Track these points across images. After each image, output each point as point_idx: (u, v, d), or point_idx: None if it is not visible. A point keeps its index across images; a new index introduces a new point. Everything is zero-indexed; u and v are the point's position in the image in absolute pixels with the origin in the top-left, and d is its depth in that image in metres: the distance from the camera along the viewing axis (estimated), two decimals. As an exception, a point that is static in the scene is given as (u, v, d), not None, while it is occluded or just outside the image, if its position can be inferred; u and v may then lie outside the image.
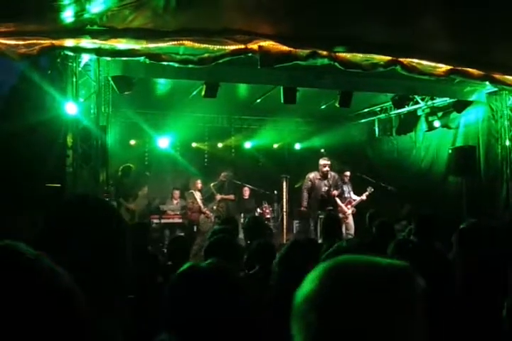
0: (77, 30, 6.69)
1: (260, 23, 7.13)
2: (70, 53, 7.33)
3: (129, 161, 11.76)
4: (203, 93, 9.21)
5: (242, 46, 7.14)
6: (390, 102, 11.71)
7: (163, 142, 13.20)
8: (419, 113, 12.33)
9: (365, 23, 7.12)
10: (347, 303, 1.01)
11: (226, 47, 7.10)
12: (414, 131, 12.83)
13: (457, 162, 10.43)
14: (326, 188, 11.15)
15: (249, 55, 7.28)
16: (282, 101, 9.50)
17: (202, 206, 12.21)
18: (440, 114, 11.92)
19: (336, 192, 11.17)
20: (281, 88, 9.43)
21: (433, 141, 12.22)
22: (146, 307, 3.30)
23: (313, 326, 1.02)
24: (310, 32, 7.27)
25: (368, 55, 7.74)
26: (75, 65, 7.98)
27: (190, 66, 7.46)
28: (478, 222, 3.97)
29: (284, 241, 11.70)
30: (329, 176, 11.18)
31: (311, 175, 11.24)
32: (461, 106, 10.74)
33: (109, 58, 7.61)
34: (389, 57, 7.83)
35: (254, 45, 7.14)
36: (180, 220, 12.25)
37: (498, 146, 10.51)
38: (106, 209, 1.68)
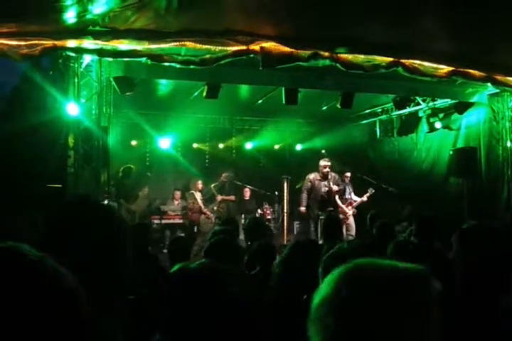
0: (79, 30, 6.70)
1: (262, 24, 7.13)
2: (72, 54, 7.34)
3: (130, 162, 11.77)
4: (204, 94, 9.21)
5: (244, 47, 7.15)
6: (392, 103, 11.72)
7: (165, 143, 13.22)
8: (421, 114, 12.33)
9: (366, 24, 7.12)
10: (364, 306, 1.02)
11: (228, 48, 7.10)
12: (416, 132, 12.83)
13: (458, 163, 10.43)
14: (326, 189, 11.14)
15: (251, 56, 7.29)
16: (284, 102, 9.51)
17: (202, 206, 12.22)
18: (441, 115, 11.92)
19: (335, 188, 11.15)
20: (283, 89, 9.44)
21: (434, 142, 12.22)
22: (146, 308, 3.31)
23: (330, 328, 1.03)
24: (312, 33, 7.28)
25: (370, 56, 7.74)
26: (76, 65, 7.99)
27: (191, 67, 7.46)
28: (479, 223, 3.97)
29: (285, 242, 11.70)
30: (329, 177, 11.18)
31: (311, 175, 11.24)
32: (462, 107, 10.74)
33: (111, 59, 7.62)
34: (391, 59, 7.83)
35: (255, 46, 7.15)
36: (181, 221, 12.27)
37: (500, 148, 10.50)
38: (106, 209, 1.69)
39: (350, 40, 7.51)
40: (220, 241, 3.91)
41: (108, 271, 1.49)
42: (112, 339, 1.47)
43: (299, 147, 15.34)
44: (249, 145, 14.68)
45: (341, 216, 10.66)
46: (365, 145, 14.50)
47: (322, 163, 11.20)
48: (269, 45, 7.18)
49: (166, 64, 7.40)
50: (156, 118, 12.83)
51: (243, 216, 12.08)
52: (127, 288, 1.71)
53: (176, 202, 12.52)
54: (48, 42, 6.67)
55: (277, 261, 3.60)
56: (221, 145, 14.60)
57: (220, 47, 7.12)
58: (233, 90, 10.32)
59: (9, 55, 6.69)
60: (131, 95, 9.05)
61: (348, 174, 11.93)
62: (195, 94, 10.36)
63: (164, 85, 10.44)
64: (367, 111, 13.52)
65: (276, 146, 15.29)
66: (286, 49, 7.29)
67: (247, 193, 12.91)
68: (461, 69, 8.29)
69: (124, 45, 6.97)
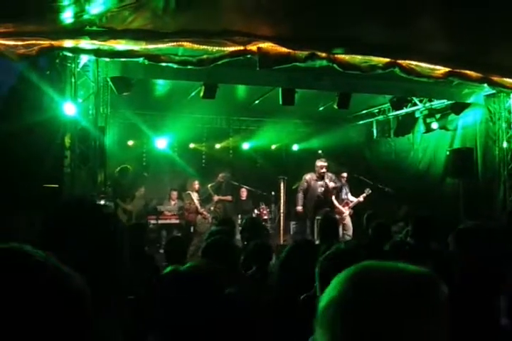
0: (77, 31, 6.69)
1: (259, 25, 7.13)
2: (69, 54, 7.33)
3: (127, 162, 11.76)
4: (201, 94, 9.21)
5: (241, 48, 7.15)
6: (388, 104, 11.74)
7: (161, 143, 13.21)
8: (417, 115, 12.35)
9: (363, 25, 7.13)
10: (371, 309, 1.02)
11: (225, 49, 7.10)
12: (412, 132, 12.85)
13: (455, 164, 10.45)
14: (323, 189, 11.16)
15: (248, 56, 7.30)
16: (281, 102, 9.51)
17: (199, 207, 12.22)
18: (438, 115, 11.94)
19: (332, 184, 11.17)
20: (280, 89, 9.44)
21: (431, 142, 12.24)
22: (144, 308, 3.31)
23: (337, 331, 1.03)
24: (309, 33, 7.29)
25: (367, 57, 7.76)
26: (73, 65, 7.98)
27: (189, 67, 7.46)
28: (476, 224, 3.98)
29: (281, 242, 11.71)
30: (326, 177, 11.19)
31: (308, 176, 11.26)
32: (459, 108, 10.76)
33: (108, 59, 7.61)
34: (387, 59, 7.85)
35: (253, 47, 7.15)
36: (178, 221, 12.26)
37: (496, 148, 10.53)
38: (102, 210, 1.69)
39: (347, 41, 7.52)
40: (217, 241, 3.91)
41: (105, 271, 1.49)
42: (111, 340, 1.47)
43: (295, 147, 15.35)
44: (246, 146, 14.68)
45: (338, 216, 10.68)
46: (362, 145, 14.51)
47: (319, 163, 11.22)
48: (266, 45, 7.19)
49: (163, 64, 7.40)
50: (153, 119, 12.82)
51: (240, 216, 12.07)
52: (124, 288, 1.71)
53: (173, 203, 12.52)
54: (45, 42, 6.66)
55: (276, 261, 3.60)
56: (218, 146, 14.60)
57: (217, 48, 7.12)
58: (230, 90, 10.32)
59: (6, 55, 6.68)
60: (128, 95, 9.05)
61: (345, 174, 11.94)
62: (193, 94, 10.36)
63: (161, 85, 10.43)
64: (364, 111, 13.53)
65: (273, 147, 15.29)
66: (284, 49, 7.30)
67: (243, 193, 12.91)
68: (458, 70, 8.31)
69: (121, 45, 6.97)
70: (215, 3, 6.75)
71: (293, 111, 11.18)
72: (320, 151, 12.64)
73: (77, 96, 8.11)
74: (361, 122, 14.16)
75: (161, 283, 2.02)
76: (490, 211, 10.03)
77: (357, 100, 10.30)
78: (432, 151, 12.17)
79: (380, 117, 13.42)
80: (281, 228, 12.37)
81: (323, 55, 7.49)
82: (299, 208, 11.16)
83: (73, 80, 8.05)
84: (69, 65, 7.96)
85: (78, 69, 8.11)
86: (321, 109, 12.12)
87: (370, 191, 11.56)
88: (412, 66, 8.03)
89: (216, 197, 12.49)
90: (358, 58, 7.73)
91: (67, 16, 6.48)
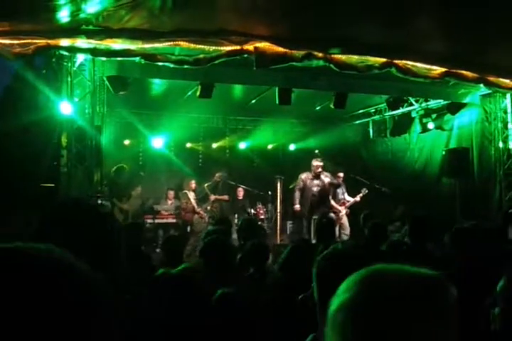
0: (73, 30, 6.68)
1: (256, 25, 7.13)
2: (65, 53, 7.32)
3: (124, 161, 11.74)
4: (198, 93, 9.20)
5: (238, 47, 7.15)
6: (385, 104, 11.76)
7: (158, 142, 13.20)
8: (414, 115, 12.37)
9: (360, 25, 7.14)
10: (383, 312, 1.02)
11: (222, 48, 7.10)
12: (408, 132, 12.87)
13: (451, 163, 10.47)
14: (318, 188, 11.17)
15: (245, 56, 7.30)
16: (277, 102, 9.52)
17: (196, 206, 12.21)
18: (434, 115, 11.97)
19: (328, 180, 11.19)
20: (276, 89, 9.45)
21: (427, 142, 12.26)
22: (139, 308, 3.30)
23: (348, 334, 1.03)
24: (305, 33, 7.29)
25: (363, 57, 7.77)
26: (70, 64, 7.96)
27: (185, 66, 7.46)
28: (472, 224, 4.00)
29: (278, 241, 11.72)
30: (322, 176, 11.20)
31: (304, 175, 11.28)
32: (455, 108, 10.78)
33: (104, 58, 7.60)
34: (384, 59, 7.86)
35: (249, 46, 7.16)
36: (174, 220, 12.25)
37: (492, 148, 10.56)
38: (99, 210, 1.69)
39: (344, 41, 7.53)
40: (214, 241, 3.92)
41: (102, 270, 1.49)
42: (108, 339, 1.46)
43: (292, 147, 15.35)
44: (242, 145, 14.68)
45: (334, 216, 10.70)
46: (359, 145, 14.53)
47: (315, 163, 11.23)
48: (263, 45, 7.19)
49: (160, 63, 7.40)
50: (150, 118, 12.80)
51: (236, 215, 12.08)
52: (121, 288, 1.71)
53: (170, 202, 12.51)
54: (41, 41, 6.65)
55: (277, 262, 3.61)
56: (214, 145, 14.59)
57: (213, 47, 7.12)
58: (227, 90, 10.32)
59: (2, 54, 6.67)
60: (125, 94, 9.04)
61: (341, 174, 11.95)
62: (189, 93, 10.35)
63: (158, 85, 10.42)
64: (360, 111, 13.55)
65: (270, 146, 15.29)
66: (280, 49, 7.30)
67: (240, 193, 12.91)
68: (454, 71, 8.33)
69: (117, 44, 6.96)
70: (212, 3, 6.74)
71: (289, 110, 11.19)
72: (317, 151, 12.65)
73: (73, 95, 8.09)
74: (358, 122, 14.18)
75: (153, 285, 2.02)
76: (486, 211, 10.06)
77: (353, 100, 10.31)
78: (428, 151, 12.20)
79: (377, 117, 13.44)
80: (278, 227, 12.39)
81: (320, 54, 7.50)
82: (297, 206, 11.18)
83: (69, 79, 8.03)
84: (65, 64, 7.94)
85: (74, 69, 8.09)
86: (317, 108, 12.14)
87: (366, 191, 11.58)
88: (409, 66, 8.05)
89: (213, 197, 12.49)
90: (354, 58, 7.74)
91: (64, 15, 6.46)
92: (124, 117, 12.07)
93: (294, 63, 7.51)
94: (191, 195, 12.30)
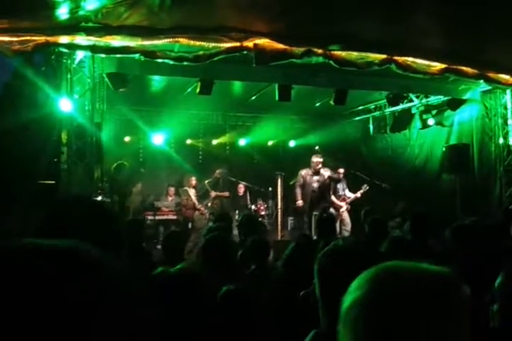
0: (72, 27, 6.68)
1: (255, 21, 7.13)
2: (65, 50, 7.31)
3: (124, 158, 11.74)
4: (197, 90, 9.19)
5: (237, 44, 7.14)
6: (385, 100, 11.74)
7: (158, 139, 13.20)
8: (414, 111, 12.36)
9: (360, 21, 7.13)
10: (395, 310, 1.02)
11: (221, 45, 7.10)
12: (409, 128, 12.86)
13: (451, 160, 10.47)
14: (318, 184, 11.17)
15: (245, 52, 7.29)
16: (277, 98, 9.51)
17: (196, 203, 12.21)
18: (434, 111, 11.96)
19: (328, 173, 11.19)
20: (276, 85, 9.44)
21: (427, 138, 12.26)
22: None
23: (360, 332, 1.03)
24: (305, 30, 7.28)
25: (363, 54, 7.76)
26: (69, 61, 7.96)
27: (185, 63, 7.45)
28: (473, 220, 4.00)
29: (279, 237, 11.73)
30: (322, 171, 11.20)
31: (303, 171, 11.28)
32: (455, 104, 10.77)
33: (103, 55, 7.59)
34: (384, 56, 7.85)
35: (249, 43, 7.15)
36: (175, 217, 12.26)
37: (492, 144, 10.56)
38: (101, 206, 1.69)
39: (343, 37, 7.52)
40: (215, 238, 3.92)
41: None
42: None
43: (292, 143, 15.35)
44: (242, 142, 14.68)
45: (335, 211, 10.71)
46: (359, 141, 14.53)
47: (314, 159, 11.23)
48: (262, 41, 7.18)
49: (160, 60, 7.39)
50: (150, 115, 12.81)
51: (237, 212, 12.08)
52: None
53: (170, 199, 12.51)
54: (41, 39, 6.65)
55: (282, 260, 3.61)
56: (214, 142, 14.59)
57: (213, 44, 7.11)
58: (226, 86, 10.31)
59: (1, 51, 6.66)
60: (125, 91, 9.03)
61: (342, 170, 11.94)
62: (189, 90, 10.34)
63: (157, 81, 10.42)
64: (360, 107, 13.54)
65: (270, 142, 15.29)
66: (280, 46, 7.29)
67: (241, 189, 12.91)
68: (454, 67, 8.32)
69: (116, 41, 6.96)
70: (211, 0, 6.74)
71: (289, 107, 11.18)
72: (317, 147, 12.64)
73: (73, 92, 8.09)
74: (357, 118, 14.17)
75: (152, 284, 2.02)
76: (486, 207, 10.06)
77: (353, 96, 10.31)
78: (428, 147, 12.19)
79: (377, 113, 13.43)
80: (279, 224, 12.40)
81: (320, 51, 7.49)
82: (300, 202, 11.16)
83: (69, 76, 8.03)
84: (65, 61, 7.94)
85: (74, 66, 8.08)
86: (317, 105, 12.13)
87: (367, 187, 11.57)
88: (409, 62, 8.04)
89: (213, 193, 12.49)
90: (354, 55, 7.73)
91: (63, 12, 6.46)
92: (124, 114, 12.07)
93: (294, 60, 7.50)
94: (192, 192, 12.30)
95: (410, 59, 8.03)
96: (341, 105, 10.29)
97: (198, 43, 7.06)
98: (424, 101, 11.75)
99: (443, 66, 8.26)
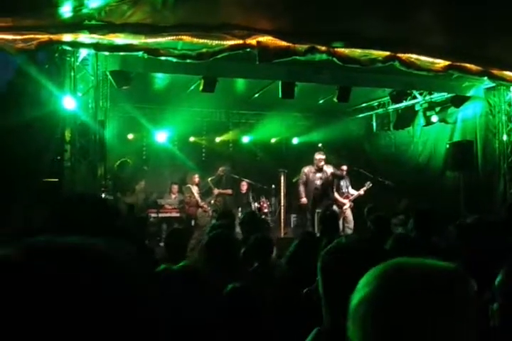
0: (75, 25, 6.68)
1: (259, 19, 7.12)
2: (68, 48, 7.33)
3: (127, 156, 11.76)
4: (201, 88, 9.20)
5: (241, 41, 7.14)
6: (388, 97, 11.72)
7: (161, 136, 13.20)
8: (417, 108, 12.32)
9: (363, 18, 7.12)
10: (404, 306, 1.03)
11: (224, 43, 7.09)
12: (412, 125, 12.84)
13: (455, 157, 10.46)
14: (321, 181, 11.18)
15: (248, 50, 7.28)
16: (280, 96, 9.50)
17: (199, 200, 12.23)
18: (438, 108, 11.93)
19: (331, 170, 11.19)
20: (280, 83, 9.43)
21: (431, 135, 12.24)
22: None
23: (369, 328, 1.04)
24: (308, 27, 7.27)
25: (367, 51, 7.75)
26: (73, 59, 7.96)
27: (188, 61, 7.45)
28: (478, 217, 4.00)
29: (282, 235, 11.73)
30: (325, 168, 11.21)
31: (306, 169, 11.29)
32: (459, 101, 10.75)
33: (107, 53, 7.60)
34: (387, 53, 7.84)
35: (252, 41, 7.14)
36: (178, 214, 12.27)
37: (496, 141, 10.53)
38: (105, 204, 1.70)
39: (347, 35, 7.51)
40: (219, 235, 3.93)
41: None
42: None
43: (295, 141, 15.34)
44: (245, 139, 14.67)
45: (338, 209, 10.70)
46: (362, 138, 14.50)
47: (317, 156, 11.23)
48: (265, 39, 7.17)
49: (163, 58, 7.39)
50: (153, 112, 12.81)
51: (240, 209, 12.09)
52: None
53: (173, 196, 12.53)
54: (44, 37, 6.65)
55: (286, 258, 3.61)
56: (218, 139, 14.59)
57: (216, 42, 7.11)
58: (230, 84, 10.31)
59: (5, 49, 6.67)
60: (128, 89, 9.03)
61: (345, 167, 11.93)
62: (192, 87, 10.34)
63: (160, 79, 10.42)
64: (363, 104, 13.51)
65: (273, 140, 15.28)
66: (283, 43, 7.29)
67: (243, 187, 12.91)
68: (458, 64, 8.30)
69: (120, 39, 6.96)
70: (215, -3, 6.75)
71: (293, 104, 11.17)
72: (320, 144, 12.65)
73: (76, 90, 8.10)
74: (361, 115, 14.15)
75: (154, 281, 2.03)
76: (490, 204, 10.05)
77: (357, 93, 10.29)
78: (431, 144, 12.18)
79: (380, 110, 13.41)
80: (282, 221, 12.40)
81: (323, 48, 7.48)
82: (304, 200, 11.16)
83: (72, 74, 8.03)
84: (68, 58, 7.94)
85: (77, 63, 8.09)
86: (320, 102, 12.12)
87: (370, 184, 11.56)
88: (412, 59, 8.03)
89: (216, 191, 12.50)
90: (357, 52, 7.72)
91: (66, 10, 6.46)
92: (127, 112, 12.07)
93: (297, 57, 7.49)
94: (195, 189, 12.31)
95: (414, 56, 8.01)
96: (345, 102, 10.27)
97: (201, 41, 7.06)
98: (427, 98, 11.73)
99: (447, 63, 8.25)
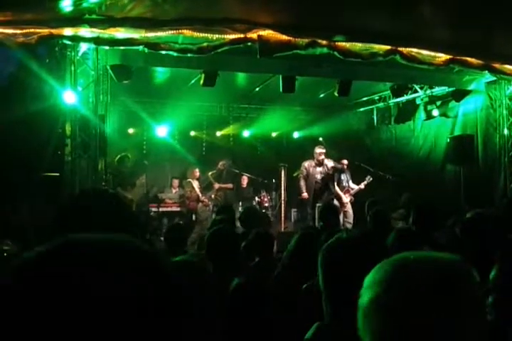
0: (76, 19, 6.67)
1: (260, 12, 7.10)
2: (69, 42, 7.32)
3: (128, 150, 11.76)
4: (201, 82, 9.18)
5: (242, 35, 7.12)
6: (389, 91, 11.69)
7: (162, 131, 13.19)
8: (418, 102, 12.32)
9: (364, 12, 7.09)
10: (417, 302, 1.03)
11: (225, 37, 7.08)
12: (413, 119, 12.83)
13: (455, 150, 10.45)
14: (322, 175, 11.18)
15: (249, 44, 7.27)
16: (281, 90, 9.49)
17: (200, 195, 12.24)
18: (439, 102, 11.92)
19: (332, 164, 11.20)
20: (280, 77, 9.42)
21: (431, 129, 12.23)
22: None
23: (380, 327, 1.04)
24: (309, 21, 7.25)
25: (368, 45, 7.73)
26: (73, 53, 7.95)
27: (189, 55, 7.44)
28: (481, 211, 4.01)
29: (282, 229, 11.74)
30: (325, 162, 11.21)
31: (306, 163, 11.28)
32: (459, 95, 10.74)
33: (107, 47, 7.59)
34: (388, 47, 7.82)
35: (253, 35, 7.13)
36: (179, 209, 12.30)
37: (497, 135, 10.52)
38: (118, 198, 1.70)
39: (348, 28, 7.49)
40: (220, 230, 3.93)
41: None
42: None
43: (296, 135, 15.35)
44: (246, 133, 14.67)
45: (338, 203, 10.70)
46: (363, 132, 14.48)
47: (317, 150, 11.23)
48: (266, 33, 7.16)
49: (163, 52, 7.38)
50: (153, 106, 12.80)
51: (241, 204, 12.11)
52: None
53: (174, 191, 12.55)
54: (44, 31, 6.64)
55: (287, 252, 3.62)
56: (218, 133, 14.59)
57: (217, 36, 7.10)
58: (230, 78, 10.29)
59: (5, 44, 6.66)
60: (128, 83, 9.02)
61: (346, 161, 11.92)
62: (192, 81, 10.32)
63: (161, 73, 10.40)
64: (364, 98, 13.49)
65: (274, 134, 15.28)
66: (284, 37, 7.27)
67: (244, 181, 12.92)
68: (459, 58, 8.29)
69: (120, 33, 6.95)
70: (215, -9, 6.73)
71: (293, 98, 11.17)
72: (321, 138, 12.63)
73: (76, 84, 8.10)
74: (362, 109, 14.13)
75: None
76: (490, 197, 10.05)
77: (357, 87, 10.27)
78: (432, 138, 12.17)
79: (381, 104, 13.39)
80: (282, 215, 12.41)
81: (324, 42, 7.47)
82: (305, 195, 11.15)
83: (73, 68, 8.03)
84: (68, 53, 7.93)
85: (78, 58, 8.09)
86: (321, 96, 12.11)
87: (371, 178, 11.56)
88: (413, 53, 8.01)
89: (217, 185, 12.50)
90: (358, 46, 7.70)
91: (67, 4, 6.44)
92: (127, 106, 12.06)
93: (298, 51, 7.48)
94: (195, 184, 12.32)
95: (415, 50, 8.00)
96: (345, 96, 10.26)
97: (201, 35, 7.04)
98: (428, 92, 11.71)
99: (448, 57, 8.23)
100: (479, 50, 8.29)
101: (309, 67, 8.95)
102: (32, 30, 6.54)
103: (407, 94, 11.98)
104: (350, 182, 11.87)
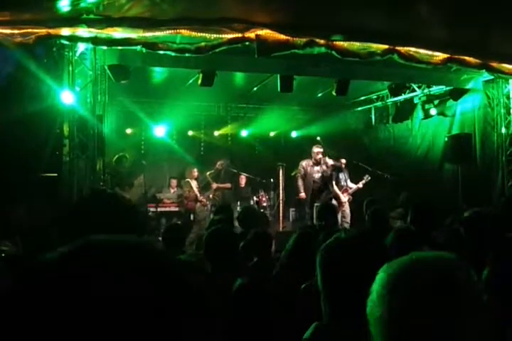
0: (74, 19, 6.65)
1: (257, 12, 7.09)
2: (66, 42, 7.30)
3: (126, 150, 11.75)
4: (199, 81, 9.18)
5: (240, 35, 7.12)
6: (387, 90, 11.70)
7: (160, 131, 13.19)
8: (416, 101, 12.34)
9: (362, 12, 7.09)
10: (421, 304, 1.04)
11: (223, 36, 7.07)
12: (411, 118, 12.84)
13: (453, 149, 10.46)
14: (319, 175, 11.18)
15: (247, 43, 7.26)
16: (279, 89, 9.49)
17: (198, 194, 12.24)
18: (436, 101, 11.93)
19: (331, 162, 11.20)
20: (278, 76, 9.42)
21: (429, 128, 12.25)
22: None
23: (390, 327, 1.04)
24: (307, 20, 7.25)
25: (365, 44, 7.73)
26: (71, 53, 7.95)
27: (186, 55, 7.43)
28: (482, 210, 4.01)
29: (281, 228, 11.75)
30: (322, 162, 11.21)
31: (304, 162, 11.29)
32: (457, 94, 10.75)
33: (105, 47, 7.58)
34: (386, 46, 7.82)
35: (251, 34, 7.12)
36: (177, 209, 12.29)
37: (494, 134, 10.54)
38: (117, 199, 1.70)
39: (345, 28, 7.49)
40: (218, 230, 3.93)
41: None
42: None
43: (294, 134, 15.35)
44: (244, 133, 14.67)
45: (336, 202, 10.70)
46: (361, 132, 14.49)
47: (315, 149, 11.23)
48: (264, 32, 7.15)
49: (161, 52, 7.37)
50: (151, 106, 12.80)
51: (239, 203, 12.11)
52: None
53: (172, 190, 12.54)
54: (42, 31, 6.63)
55: (286, 252, 3.62)
56: (216, 133, 14.58)
57: (215, 35, 7.09)
58: (228, 77, 10.29)
59: (3, 44, 6.65)
60: (126, 83, 9.02)
61: (344, 161, 11.93)
62: (190, 81, 10.32)
63: (159, 73, 10.40)
64: (362, 98, 13.50)
65: (272, 134, 15.28)
66: (282, 37, 7.26)
67: (242, 181, 12.91)
68: (457, 57, 8.29)
69: (118, 33, 6.94)
70: (213, -10, 6.72)
71: (291, 98, 11.18)
72: (318, 138, 12.65)
73: (74, 84, 8.09)
74: (360, 108, 14.14)
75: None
76: (488, 196, 10.06)
77: (355, 87, 10.28)
78: (430, 137, 12.18)
79: (379, 103, 13.40)
80: (281, 215, 12.41)
81: (322, 42, 7.46)
82: (302, 195, 11.16)
83: (71, 68, 8.02)
84: (66, 53, 7.93)
85: (76, 58, 8.08)
86: (319, 95, 12.11)
87: (369, 178, 11.56)
88: (411, 52, 8.02)
89: (215, 185, 12.51)
90: (356, 45, 7.70)
91: (64, 4, 6.43)
92: (125, 106, 12.05)
93: (296, 50, 7.47)
94: (193, 184, 12.32)
95: (413, 49, 8.00)
96: (343, 96, 10.27)
97: (199, 34, 7.03)
98: (426, 91, 11.73)
99: (446, 56, 8.24)
100: (477, 49, 8.29)
101: (307, 66, 8.95)
102: (30, 30, 6.53)
103: (404, 93, 11.99)
104: (349, 181, 11.87)
